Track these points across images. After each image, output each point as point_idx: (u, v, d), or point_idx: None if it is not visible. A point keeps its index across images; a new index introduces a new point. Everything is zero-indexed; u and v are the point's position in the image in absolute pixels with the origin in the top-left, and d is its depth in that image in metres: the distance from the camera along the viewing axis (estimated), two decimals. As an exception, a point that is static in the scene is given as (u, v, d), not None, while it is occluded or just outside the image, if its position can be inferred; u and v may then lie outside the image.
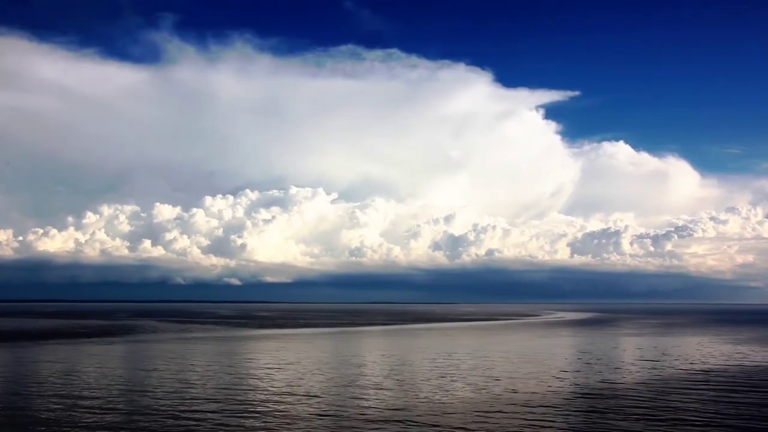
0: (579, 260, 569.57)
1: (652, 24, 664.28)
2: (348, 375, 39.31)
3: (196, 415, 26.47)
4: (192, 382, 36.23)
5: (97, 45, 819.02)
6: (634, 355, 53.84)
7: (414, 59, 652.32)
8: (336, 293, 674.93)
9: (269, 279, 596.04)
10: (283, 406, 28.52)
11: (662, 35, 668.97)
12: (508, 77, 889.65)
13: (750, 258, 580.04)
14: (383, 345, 68.70)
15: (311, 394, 31.80)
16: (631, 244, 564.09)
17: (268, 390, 33.29)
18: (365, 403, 29.37)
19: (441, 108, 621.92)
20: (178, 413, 26.90)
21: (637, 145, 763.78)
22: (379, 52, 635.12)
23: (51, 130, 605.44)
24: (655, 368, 43.19)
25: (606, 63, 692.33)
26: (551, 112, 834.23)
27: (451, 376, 38.50)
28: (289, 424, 25.08)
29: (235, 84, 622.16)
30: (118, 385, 34.71)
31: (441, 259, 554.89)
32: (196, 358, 50.87)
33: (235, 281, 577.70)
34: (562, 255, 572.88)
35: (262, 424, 24.89)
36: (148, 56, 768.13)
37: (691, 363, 46.71)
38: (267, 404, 29.04)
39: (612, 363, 46.59)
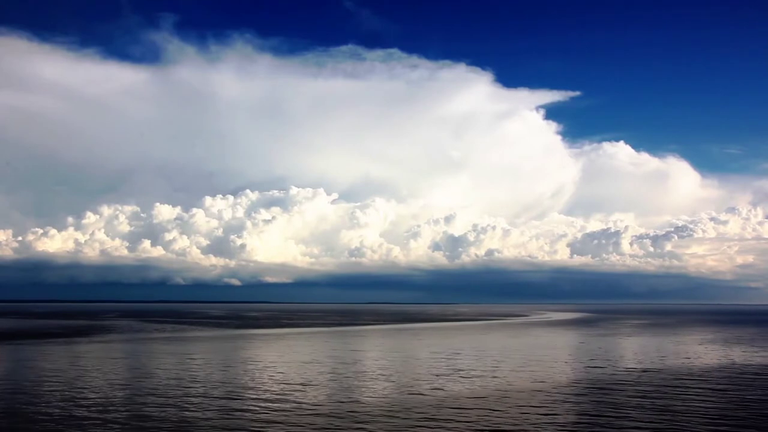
0: (579, 261, 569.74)
1: (653, 24, 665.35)
2: (288, 374, 39.67)
3: (114, 408, 26.78)
4: (128, 379, 36.68)
5: (97, 45, 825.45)
6: (586, 355, 53.85)
7: (414, 59, 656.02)
8: (336, 294, 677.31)
9: (269, 279, 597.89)
10: (206, 401, 28.84)
11: (662, 35, 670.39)
12: (509, 77, 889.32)
13: (750, 258, 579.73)
14: (347, 345, 68.82)
15: (244, 389, 32.12)
16: (631, 244, 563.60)
17: (189, 387, 33.55)
18: (286, 399, 30.06)
19: (441, 108, 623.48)
20: (91, 406, 27.33)
21: (637, 146, 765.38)
22: (379, 52, 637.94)
23: (51, 130, 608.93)
24: (597, 368, 43.36)
25: (606, 63, 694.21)
26: (551, 112, 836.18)
27: (387, 376, 38.91)
28: (201, 418, 25.38)
29: (235, 84, 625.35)
30: (52, 383, 35.06)
31: (441, 259, 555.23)
32: (145, 357, 51.30)
33: (235, 281, 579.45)
34: (562, 255, 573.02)
35: (176, 415, 25.22)
36: (149, 56, 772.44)
37: (638, 363, 46.90)
38: (184, 398, 29.34)
39: (554, 363, 46.77)
